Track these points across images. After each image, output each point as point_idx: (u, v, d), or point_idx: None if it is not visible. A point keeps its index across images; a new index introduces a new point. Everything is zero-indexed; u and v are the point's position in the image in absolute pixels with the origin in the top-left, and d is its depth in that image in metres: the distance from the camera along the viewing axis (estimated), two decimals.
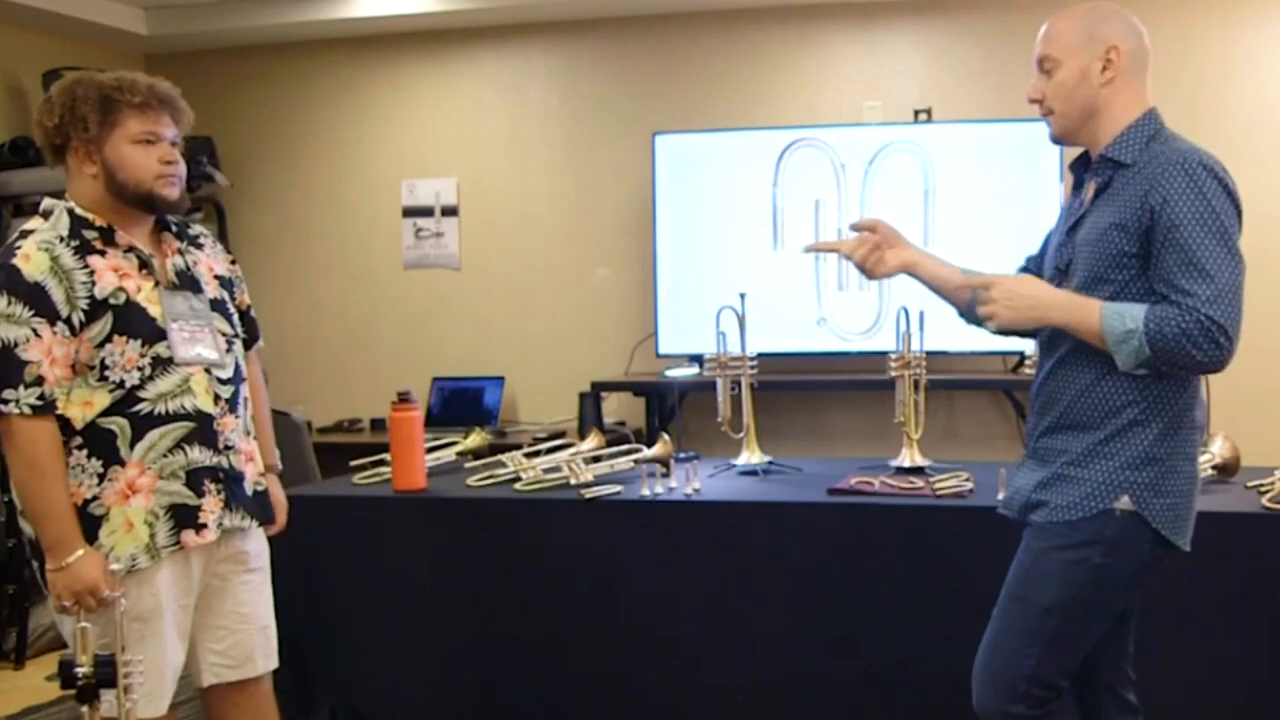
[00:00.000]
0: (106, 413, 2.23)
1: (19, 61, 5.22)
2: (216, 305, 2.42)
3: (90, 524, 2.23)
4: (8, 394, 2.16)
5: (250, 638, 2.45)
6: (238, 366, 2.43)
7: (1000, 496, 2.76)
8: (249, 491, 2.42)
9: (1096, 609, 2.17)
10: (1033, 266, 2.42)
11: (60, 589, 2.20)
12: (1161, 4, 4.80)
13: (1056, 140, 2.27)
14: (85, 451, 2.23)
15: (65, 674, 2.07)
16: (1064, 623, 2.15)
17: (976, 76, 5.13)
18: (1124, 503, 2.11)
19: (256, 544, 2.48)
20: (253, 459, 2.46)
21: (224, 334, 2.41)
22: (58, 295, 2.19)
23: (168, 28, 5.56)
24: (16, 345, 2.16)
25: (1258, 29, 4.93)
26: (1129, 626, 2.32)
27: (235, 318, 2.48)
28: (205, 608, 2.39)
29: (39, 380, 2.17)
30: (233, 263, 2.56)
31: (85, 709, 2.09)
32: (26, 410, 2.16)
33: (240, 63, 5.88)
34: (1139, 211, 2.07)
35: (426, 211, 5.75)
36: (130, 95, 2.26)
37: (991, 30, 5.09)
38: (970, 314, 2.45)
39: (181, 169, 2.35)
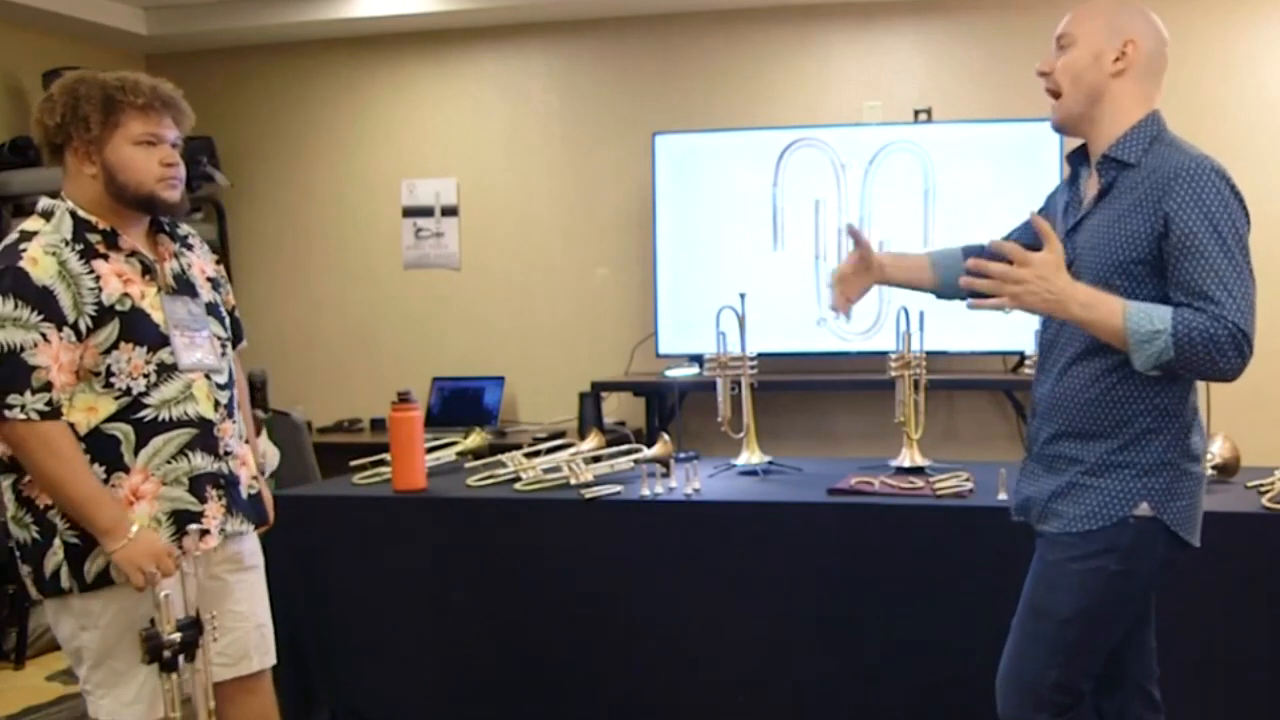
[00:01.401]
0: (110, 419, 2.22)
1: (19, 61, 5.22)
2: (211, 309, 2.41)
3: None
4: (13, 399, 2.12)
5: (246, 635, 2.45)
6: (231, 371, 2.43)
7: (1001, 497, 2.77)
8: (244, 495, 2.42)
9: (1116, 614, 2.17)
10: (1016, 238, 2.36)
11: (138, 562, 2.18)
12: (1161, 4, 4.80)
13: (1057, 127, 2.23)
14: (88, 458, 2.21)
15: (153, 646, 2.16)
16: (1085, 631, 2.14)
17: (976, 76, 5.13)
18: (1143, 509, 2.09)
19: (250, 544, 2.48)
20: (246, 463, 2.46)
21: (219, 338, 2.41)
22: (65, 300, 2.17)
23: (168, 28, 5.56)
24: (23, 350, 2.13)
25: (1257, 29, 4.93)
26: (1150, 622, 2.32)
27: (226, 320, 2.48)
28: (201, 609, 2.38)
29: (47, 386, 2.14)
30: (218, 263, 2.55)
31: (173, 676, 2.19)
32: (34, 416, 2.14)
33: (240, 63, 5.88)
34: (1151, 218, 2.04)
35: (426, 211, 5.74)
36: (134, 96, 2.24)
37: (991, 30, 5.10)
38: (948, 291, 2.44)
39: (182, 171, 2.33)
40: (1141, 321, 2.00)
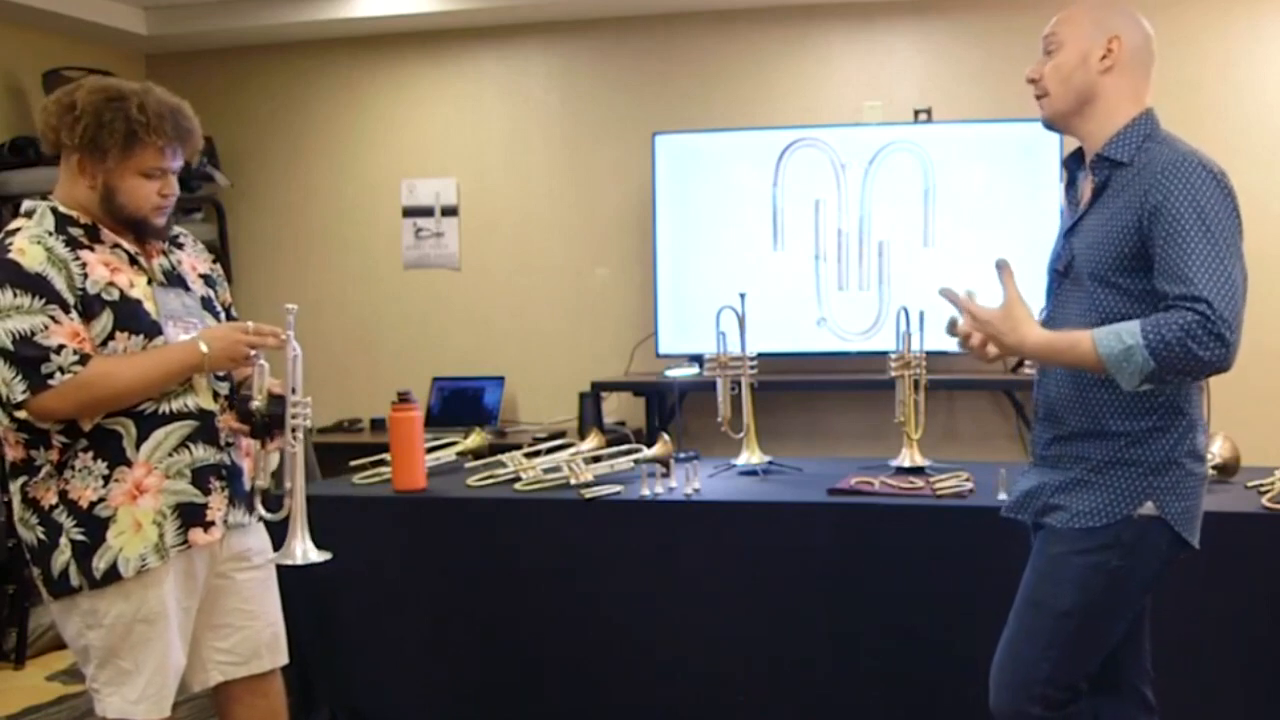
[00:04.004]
0: (111, 413, 2.22)
1: (19, 61, 5.22)
2: (205, 303, 2.43)
3: (97, 526, 2.22)
4: (45, 368, 2.13)
5: (257, 634, 2.45)
6: None
7: (1002, 497, 2.77)
8: (246, 487, 2.42)
9: (1114, 611, 2.17)
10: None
11: (234, 356, 2.29)
12: (1163, 4, 4.80)
13: (1048, 124, 2.26)
14: (91, 454, 2.22)
15: (243, 410, 2.33)
16: (1082, 626, 2.14)
17: (976, 76, 5.13)
18: (1147, 508, 2.10)
19: (258, 541, 2.48)
20: (249, 454, 2.46)
21: None
22: (60, 284, 2.18)
23: (168, 28, 5.56)
24: (35, 334, 2.14)
25: (1256, 28, 4.93)
26: (1145, 623, 2.32)
27: (223, 315, 2.48)
28: (209, 607, 2.39)
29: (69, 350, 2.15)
30: (214, 262, 2.56)
31: (260, 444, 2.39)
32: (73, 370, 2.14)
33: (240, 63, 5.88)
34: (1139, 213, 2.05)
35: (426, 211, 5.75)
36: (155, 136, 2.23)
37: (991, 30, 5.09)
38: None
39: (174, 199, 2.35)
40: (1112, 343, 1.99)
